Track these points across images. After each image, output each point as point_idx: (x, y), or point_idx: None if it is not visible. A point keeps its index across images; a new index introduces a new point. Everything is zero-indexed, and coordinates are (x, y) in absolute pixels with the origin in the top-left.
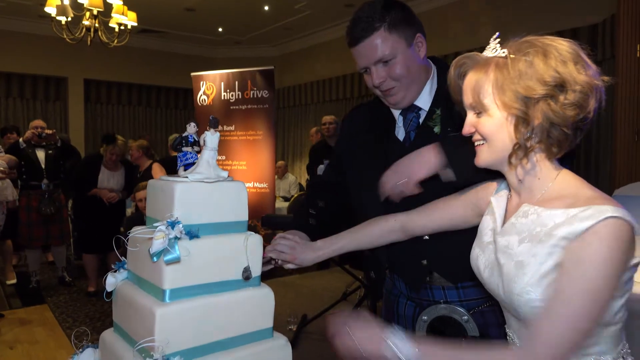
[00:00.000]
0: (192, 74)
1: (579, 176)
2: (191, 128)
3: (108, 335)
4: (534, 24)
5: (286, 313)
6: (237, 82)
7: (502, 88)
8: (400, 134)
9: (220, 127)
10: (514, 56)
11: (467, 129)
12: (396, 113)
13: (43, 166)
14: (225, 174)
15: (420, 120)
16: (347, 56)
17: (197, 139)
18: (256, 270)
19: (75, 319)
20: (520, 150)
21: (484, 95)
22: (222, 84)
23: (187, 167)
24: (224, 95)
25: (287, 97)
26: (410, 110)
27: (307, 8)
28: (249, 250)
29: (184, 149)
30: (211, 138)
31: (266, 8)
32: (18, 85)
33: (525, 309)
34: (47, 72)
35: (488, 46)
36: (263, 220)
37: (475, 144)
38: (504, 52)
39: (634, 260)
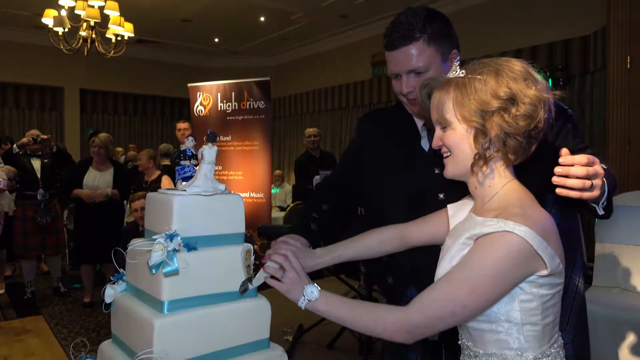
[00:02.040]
0: (189, 84)
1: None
2: (189, 142)
3: (106, 346)
4: (528, 35)
5: (282, 323)
6: (233, 93)
7: (462, 104)
8: (425, 144)
9: (217, 138)
10: (470, 76)
11: (435, 142)
12: (420, 123)
13: (39, 175)
14: (222, 186)
15: None
16: (342, 66)
17: (195, 153)
18: (253, 283)
19: (70, 330)
20: (481, 159)
21: (446, 111)
22: (219, 94)
23: (185, 179)
24: (221, 106)
25: (282, 107)
26: None
27: (302, 19)
28: (245, 260)
29: (182, 162)
30: (209, 152)
31: (262, 19)
32: (13, 95)
33: None
34: (43, 81)
35: (451, 70)
36: (259, 231)
37: (444, 156)
38: (462, 73)
39: (541, 273)
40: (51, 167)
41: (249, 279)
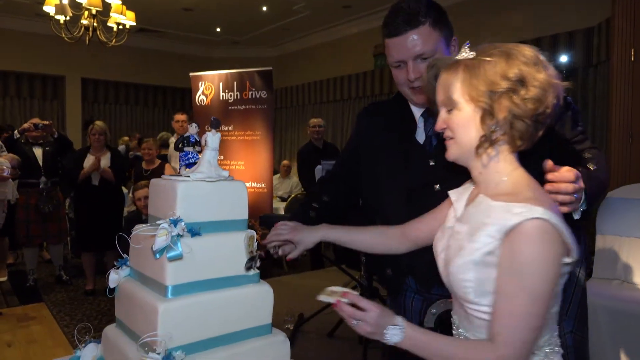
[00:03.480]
0: (191, 74)
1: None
2: (192, 129)
3: (110, 330)
4: (532, 27)
5: (283, 312)
6: (235, 83)
7: (470, 84)
8: (420, 136)
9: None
10: (480, 57)
11: (439, 125)
12: (417, 114)
13: (40, 163)
14: (226, 173)
15: None
16: (345, 57)
17: (198, 139)
18: (255, 262)
19: (72, 317)
20: (487, 141)
21: (453, 92)
22: (221, 84)
23: (188, 166)
24: (223, 96)
25: (284, 98)
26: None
27: (305, 9)
28: (248, 246)
29: (186, 148)
30: (212, 138)
31: (264, 8)
32: (15, 84)
33: (458, 289)
34: (44, 70)
35: (460, 52)
36: (261, 220)
37: (447, 139)
38: (472, 54)
39: (565, 260)
40: (53, 154)
41: (253, 259)
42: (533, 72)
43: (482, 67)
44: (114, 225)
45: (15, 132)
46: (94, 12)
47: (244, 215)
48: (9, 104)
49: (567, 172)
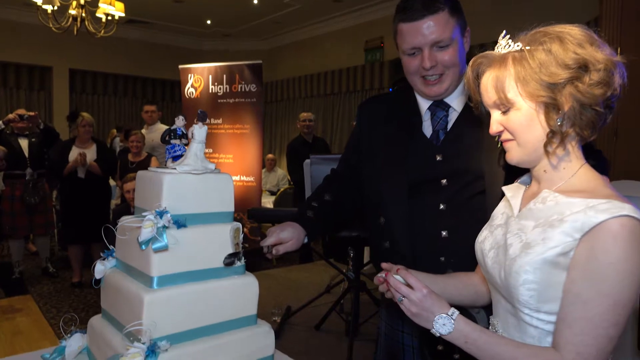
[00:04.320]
0: (180, 66)
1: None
2: (179, 121)
3: (96, 321)
4: (518, 25)
5: (271, 305)
6: (225, 76)
7: (525, 80)
8: (427, 130)
9: (207, 120)
10: (530, 47)
11: (495, 128)
12: (424, 108)
13: (26, 155)
14: (212, 166)
15: (450, 120)
16: (335, 52)
17: (185, 132)
18: (240, 258)
19: (59, 310)
20: (556, 137)
21: (508, 90)
22: (210, 77)
23: (175, 159)
24: (212, 89)
25: (275, 91)
26: (441, 107)
27: (296, 2)
28: (233, 239)
29: (173, 141)
30: (199, 131)
31: (255, 1)
32: (1, 74)
33: (521, 290)
34: (31, 61)
35: (498, 44)
36: (249, 213)
37: (504, 141)
38: (518, 46)
39: None
40: (39, 146)
41: (236, 255)
42: (592, 53)
43: (534, 58)
44: (101, 217)
45: (0, 122)
46: (82, 2)
47: (230, 207)
48: None
49: None
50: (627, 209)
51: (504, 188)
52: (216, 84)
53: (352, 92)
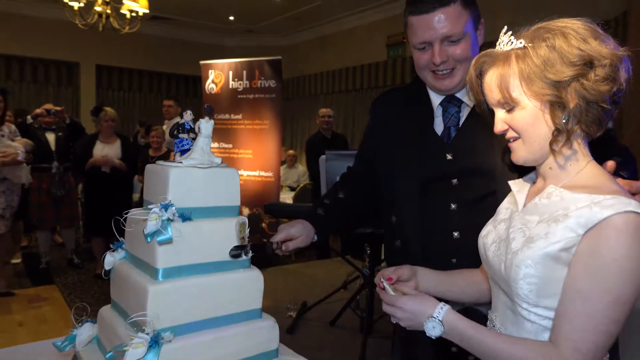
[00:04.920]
0: (201, 62)
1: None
2: (187, 116)
3: (105, 311)
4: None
5: (286, 300)
6: (245, 72)
7: (530, 78)
8: (438, 127)
9: (227, 116)
10: (532, 44)
11: (499, 127)
12: (436, 103)
13: (53, 149)
14: (218, 160)
15: (462, 116)
16: (358, 48)
17: (193, 126)
18: (247, 252)
19: (82, 299)
20: (561, 135)
21: (512, 89)
22: (231, 72)
23: (183, 152)
24: (232, 84)
25: (296, 88)
26: (453, 103)
27: None
28: (239, 232)
29: (181, 135)
30: (206, 126)
31: None
32: (31, 70)
33: (519, 285)
34: (60, 57)
35: (500, 41)
36: (266, 208)
37: (510, 140)
38: (521, 43)
39: None
40: (65, 140)
41: (243, 248)
42: (597, 49)
43: (538, 55)
44: (123, 210)
45: (28, 117)
46: None
47: (236, 201)
48: (25, 89)
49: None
50: (633, 205)
51: (511, 182)
52: (236, 79)
53: (374, 88)
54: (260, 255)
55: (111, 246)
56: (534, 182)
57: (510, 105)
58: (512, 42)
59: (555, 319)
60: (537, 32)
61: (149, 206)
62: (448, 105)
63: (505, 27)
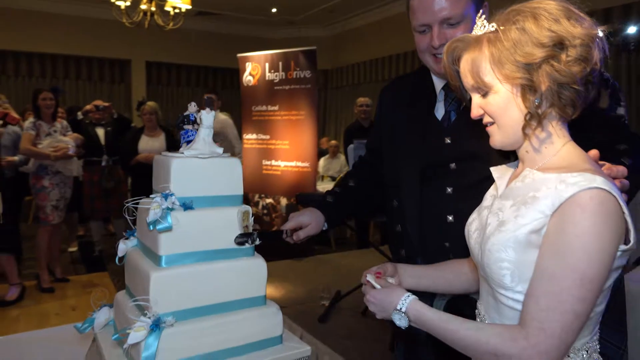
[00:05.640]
0: (238, 55)
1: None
2: (192, 107)
3: (121, 296)
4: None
5: (320, 288)
6: (280, 63)
7: (501, 61)
8: (440, 112)
9: (264, 107)
10: (503, 27)
11: (475, 112)
12: (438, 87)
13: (102, 143)
14: (220, 150)
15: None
16: (398, 35)
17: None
18: (253, 240)
19: None
20: (533, 119)
21: (484, 74)
22: (267, 64)
23: (189, 143)
24: (268, 76)
25: (338, 78)
26: None
27: None
28: (242, 221)
29: (186, 126)
30: (207, 117)
31: None
32: (86, 68)
33: (493, 270)
34: (112, 55)
35: (475, 25)
36: (297, 198)
37: (487, 125)
38: (493, 26)
39: (622, 247)
40: (113, 134)
41: (249, 235)
42: (569, 29)
43: (509, 38)
44: None
45: (79, 113)
46: None
47: (238, 191)
48: (81, 87)
49: (621, 170)
50: (598, 181)
51: (492, 169)
52: (272, 71)
53: None
54: (270, 243)
55: (124, 234)
56: (516, 168)
57: (483, 90)
58: (484, 27)
59: (524, 300)
60: (509, 14)
61: (152, 195)
62: (449, 90)
63: (481, 10)
